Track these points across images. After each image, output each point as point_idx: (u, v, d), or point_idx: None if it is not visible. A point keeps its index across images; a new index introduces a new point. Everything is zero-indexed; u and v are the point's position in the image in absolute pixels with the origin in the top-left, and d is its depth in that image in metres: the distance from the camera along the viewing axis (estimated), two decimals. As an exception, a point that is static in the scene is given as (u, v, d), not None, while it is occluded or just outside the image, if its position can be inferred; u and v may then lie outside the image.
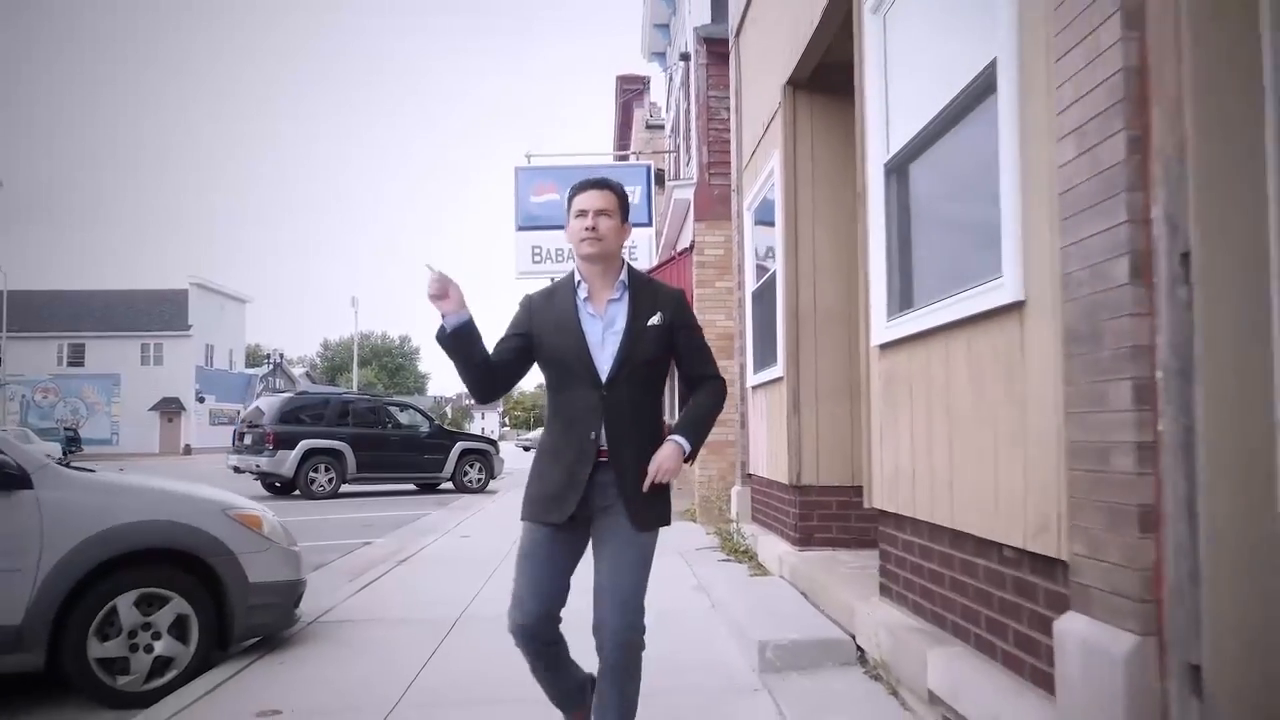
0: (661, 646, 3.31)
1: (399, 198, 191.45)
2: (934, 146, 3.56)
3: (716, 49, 10.27)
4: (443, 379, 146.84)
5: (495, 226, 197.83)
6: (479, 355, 2.78)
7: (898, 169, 3.97)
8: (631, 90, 20.33)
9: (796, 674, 4.13)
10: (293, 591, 5.02)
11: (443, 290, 2.72)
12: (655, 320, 2.81)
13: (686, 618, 5.40)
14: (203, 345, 53.94)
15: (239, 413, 58.26)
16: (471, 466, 18.37)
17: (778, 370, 6.48)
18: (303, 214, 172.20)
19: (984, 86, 2.99)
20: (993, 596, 2.99)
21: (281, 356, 56.65)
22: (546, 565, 2.79)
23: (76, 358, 51.70)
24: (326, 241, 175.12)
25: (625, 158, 16.58)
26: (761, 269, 7.44)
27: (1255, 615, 1.98)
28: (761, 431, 7.42)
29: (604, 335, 2.80)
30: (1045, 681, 2.53)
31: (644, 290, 2.88)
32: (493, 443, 19.73)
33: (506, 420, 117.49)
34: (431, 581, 7.08)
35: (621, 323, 2.80)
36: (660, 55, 16.47)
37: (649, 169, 13.18)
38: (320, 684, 4.29)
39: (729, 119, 9.13)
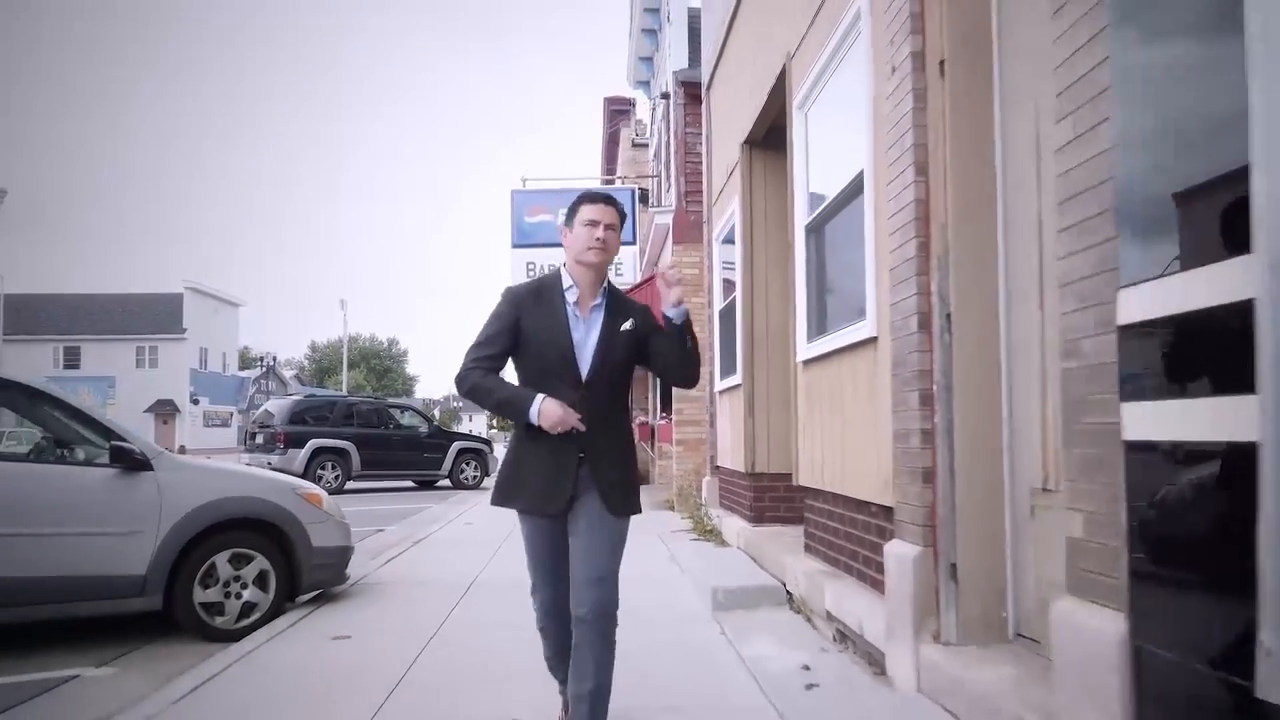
0: (641, 598, 4.56)
1: (388, 201, 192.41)
2: (834, 218, 4.88)
3: (692, 90, 11.57)
4: (431, 381, 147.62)
5: (484, 226, 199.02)
6: None
7: (814, 229, 5.29)
8: (618, 111, 21.64)
9: (740, 610, 5.44)
10: (344, 555, 6.29)
11: (561, 430, 2.89)
12: (628, 326, 3.01)
13: (661, 579, 6.69)
14: (197, 348, 54.94)
15: (232, 414, 59.45)
16: (468, 465, 19.62)
17: (737, 378, 7.79)
18: (290, 217, 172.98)
19: (857, 186, 4.31)
20: (863, 539, 4.31)
21: (275, 359, 57.73)
22: (554, 555, 3.04)
23: (72, 360, 52.60)
24: (314, 244, 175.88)
25: (611, 181, 17.87)
26: (726, 290, 8.75)
27: (985, 533, 3.29)
28: (726, 429, 8.73)
29: (586, 338, 2.99)
30: (882, 587, 3.84)
31: (618, 300, 3.10)
32: (487, 443, 20.98)
33: (494, 422, 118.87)
34: (445, 557, 8.36)
35: (599, 327, 3.00)
36: (645, 84, 17.78)
37: (634, 192, 14.49)
38: (374, 620, 5.59)
39: (703, 154, 10.44)
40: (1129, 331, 2.06)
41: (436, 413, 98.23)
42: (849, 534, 4.60)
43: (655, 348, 3.05)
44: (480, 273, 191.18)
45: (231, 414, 58.22)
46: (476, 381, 2.98)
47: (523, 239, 14.55)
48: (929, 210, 3.42)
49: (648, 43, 15.76)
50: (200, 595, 5.50)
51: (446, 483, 19.45)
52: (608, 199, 3.08)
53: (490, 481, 19.99)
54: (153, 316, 53.71)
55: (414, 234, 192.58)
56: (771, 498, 7.29)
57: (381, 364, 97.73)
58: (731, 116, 8.20)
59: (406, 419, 20.05)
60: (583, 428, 2.88)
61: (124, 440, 5.43)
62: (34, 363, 50.66)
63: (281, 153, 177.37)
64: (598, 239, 2.95)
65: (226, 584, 5.59)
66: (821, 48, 4.88)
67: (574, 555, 2.98)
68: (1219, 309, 1.75)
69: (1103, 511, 2.19)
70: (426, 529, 10.95)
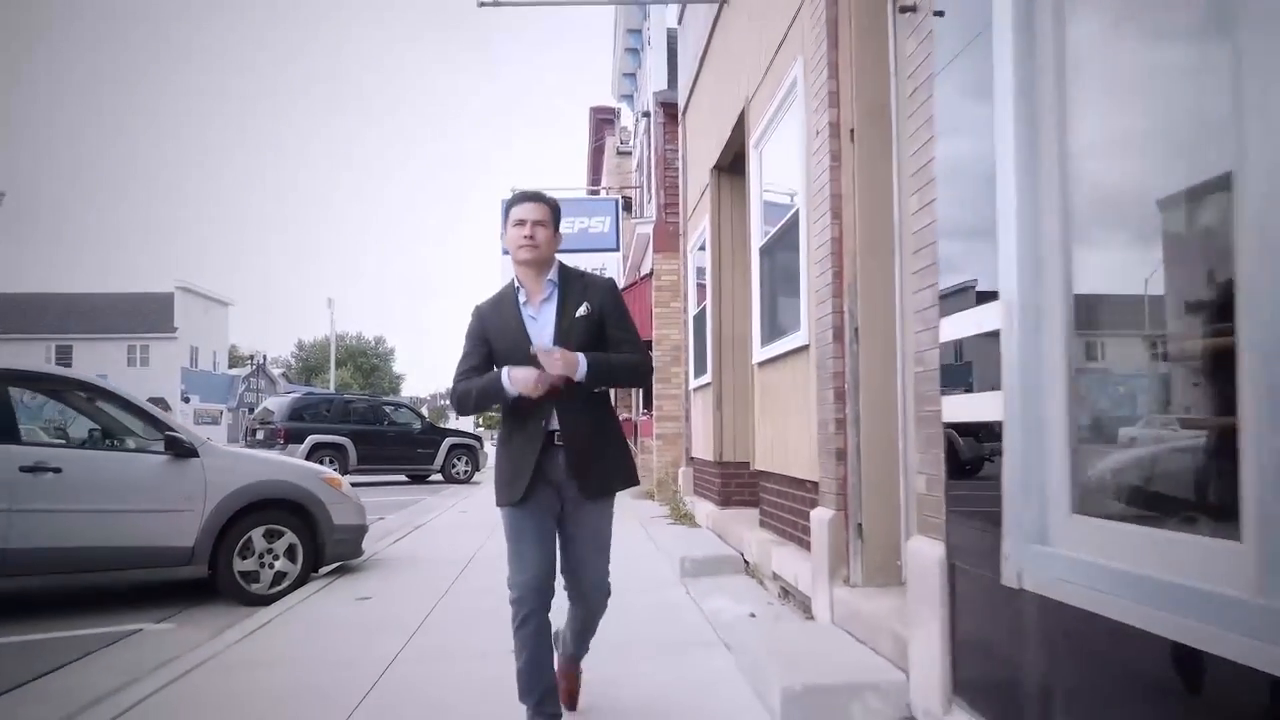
0: (621, 571, 5.31)
1: (375, 200, 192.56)
2: (780, 243, 5.81)
3: (670, 110, 12.48)
4: (417, 380, 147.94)
5: (471, 227, 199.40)
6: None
7: (767, 251, 6.21)
8: (604, 120, 22.55)
9: (705, 577, 6.36)
10: (361, 532, 7.18)
11: (541, 390, 2.94)
12: (582, 311, 3.06)
13: (639, 555, 7.60)
14: (188, 347, 55.54)
15: (222, 412, 59.96)
16: (459, 460, 20.50)
17: (708, 377, 8.72)
18: (277, 216, 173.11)
19: (794, 220, 5.24)
20: (800, 510, 5.24)
21: (265, 358, 58.34)
22: (529, 543, 3.08)
23: (64, 359, 52.99)
24: (302, 243, 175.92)
25: (597, 191, 18.76)
26: (700, 295, 9.67)
27: (884, 499, 4.22)
28: (699, 423, 9.66)
29: (541, 333, 3.07)
30: (810, 547, 4.77)
31: (574, 284, 3.14)
32: (478, 438, 21.86)
33: (480, 420, 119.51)
34: (445, 539, 9.26)
35: (551, 318, 3.08)
36: (628, 97, 18.69)
37: (618, 201, 15.40)
38: (389, 586, 6.49)
39: (679, 170, 11.35)
40: (946, 346, 2.99)
41: (424, 411, 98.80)
42: (791, 507, 5.53)
43: (608, 338, 3.12)
44: (467, 273, 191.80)
45: (222, 412, 58.74)
46: (459, 390, 3.14)
47: (513, 246, 15.40)
48: (842, 247, 4.34)
49: (631, 60, 16.67)
50: (239, 565, 6.39)
51: (438, 477, 20.31)
52: (534, 197, 3.15)
53: (480, 476, 20.95)
54: (144, 316, 54.28)
55: (401, 234, 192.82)
56: (737, 484, 8.22)
57: (368, 362, 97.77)
58: (703, 142, 9.12)
59: (400, 416, 20.92)
60: (559, 381, 2.93)
61: (175, 431, 6.31)
62: (26, 362, 51.07)
63: (270, 153, 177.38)
64: (525, 236, 3.03)
65: (261, 555, 6.48)
66: (770, 100, 5.81)
67: (562, 544, 3.16)
68: (985, 335, 2.67)
69: (934, 474, 3.11)
70: (424, 516, 11.85)
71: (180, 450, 6.26)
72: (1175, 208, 2.13)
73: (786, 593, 5.36)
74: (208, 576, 6.32)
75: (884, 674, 3.39)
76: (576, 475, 3.07)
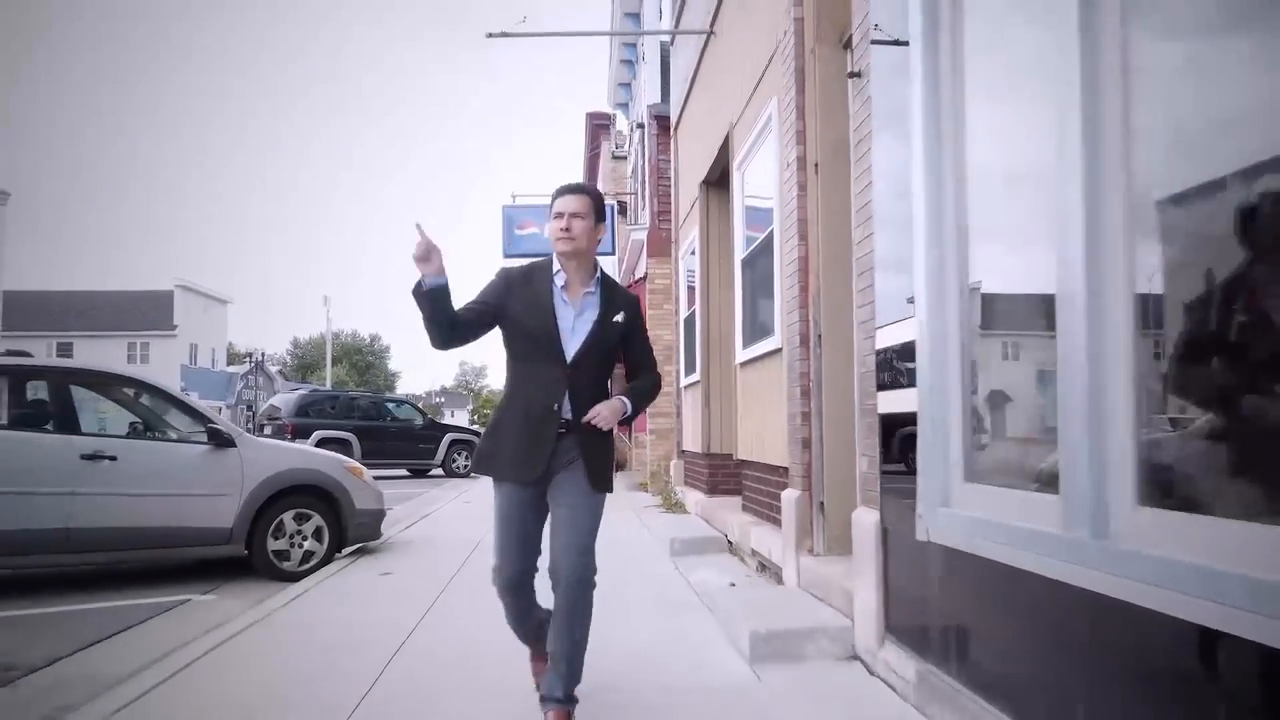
0: (616, 552, 6.13)
1: (373, 199, 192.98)
2: (759, 258, 6.52)
3: (663, 123, 13.18)
4: (412, 378, 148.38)
5: (467, 223, 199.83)
6: (446, 313, 3.05)
7: (748, 263, 6.92)
8: (600, 125, 23.22)
9: (692, 555, 7.07)
10: (380, 516, 7.87)
11: (426, 254, 2.96)
12: (619, 318, 3.19)
13: (633, 539, 8.31)
14: (187, 345, 56.11)
15: (221, 409, 60.47)
16: (459, 454, 21.18)
17: (697, 376, 9.43)
18: (273, 214, 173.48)
19: (769, 239, 5.95)
20: (774, 493, 5.95)
21: (264, 356, 58.90)
22: (524, 525, 3.18)
23: (65, 356, 53.60)
24: (297, 241, 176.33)
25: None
26: (689, 298, 10.38)
27: (842, 480, 4.93)
28: (689, 418, 10.37)
29: (575, 322, 3.13)
30: (781, 524, 5.49)
31: (613, 291, 3.26)
32: (477, 434, 22.54)
33: (475, 418, 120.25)
34: (452, 527, 9.97)
35: (593, 314, 3.15)
36: (624, 105, 19.41)
37: (613, 207, 16.12)
38: (407, 564, 7.19)
39: (671, 180, 12.05)
40: (880, 352, 3.70)
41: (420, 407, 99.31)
42: (767, 491, 6.25)
43: (631, 347, 3.30)
44: (465, 272, 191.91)
45: (220, 408, 59.29)
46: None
47: (513, 250, 16.13)
48: (808, 265, 5.05)
49: (626, 71, 17.38)
50: (272, 544, 7.08)
51: (439, 471, 20.99)
52: (574, 189, 3.23)
53: (480, 470, 21.61)
54: (144, 313, 54.86)
55: (398, 232, 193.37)
56: (723, 474, 8.93)
57: (363, 360, 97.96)
58: (692, 158, 9.83)
59: (402, 412, 21.62)
60: (431, 240, 2.98)
61: (216, 424, 7.01)
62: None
63: (269, 153, 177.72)
64: (563, 228, 3.11)
65: (291, 536, 7.17)
66: (751, 129, 6.52)
67: (557, 525, 3.13)
68: (908, 343, 3.38)
69: (872, 456, 3.82)
70: (430, 507, 12.55)
71: (221, 441, 6.95)
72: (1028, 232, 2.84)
73: (764, 566, 6.07)
74: (245, 555, 7.01)
75: (834, 621, 4.11)
76: (588, 465, 3.13)
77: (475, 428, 24.71)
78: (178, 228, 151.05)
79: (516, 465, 3.13)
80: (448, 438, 21.21)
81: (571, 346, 3.12)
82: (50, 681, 4.37)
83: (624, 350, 3.28)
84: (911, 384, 3.35)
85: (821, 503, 4.96)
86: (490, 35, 7.70)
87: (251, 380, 58.31)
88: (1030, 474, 2.78)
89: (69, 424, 6.55)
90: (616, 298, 3.25)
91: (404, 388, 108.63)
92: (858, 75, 3.97)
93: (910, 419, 3.35)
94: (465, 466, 21.14)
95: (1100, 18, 2.27)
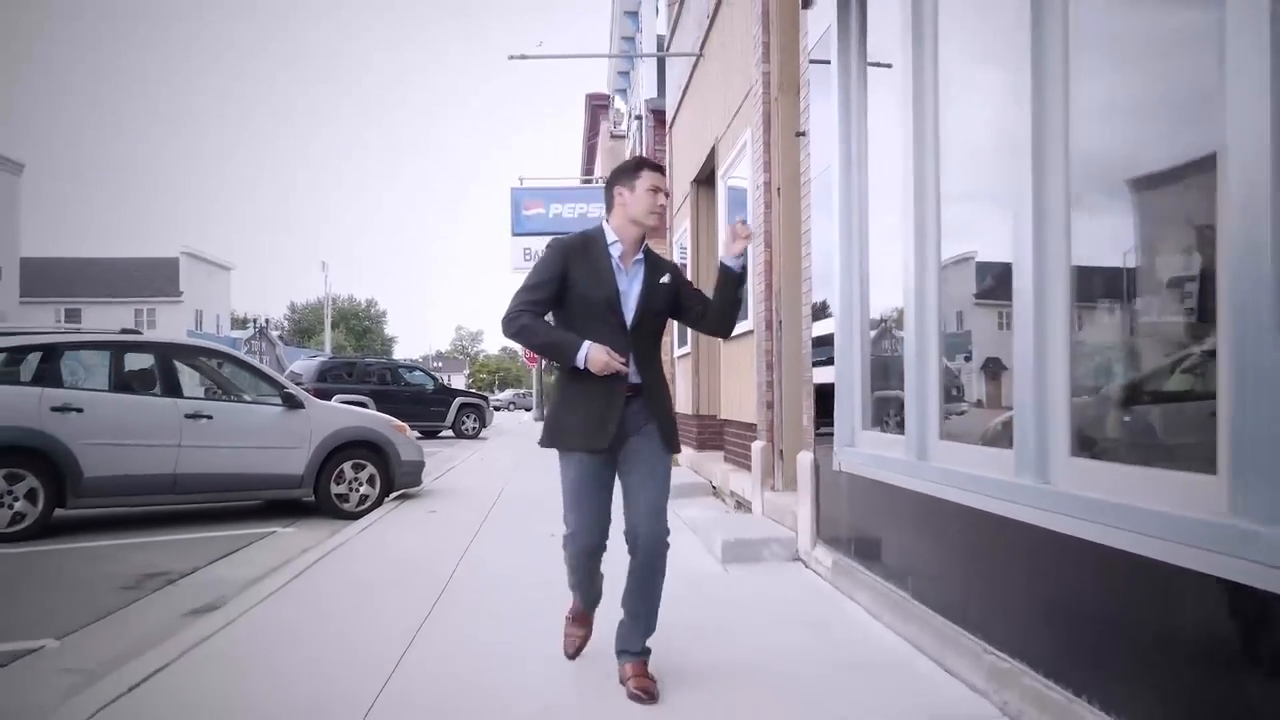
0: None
1: (371, 165, 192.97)
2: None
3: (659, 116, 14.50)
4: (409, 343, 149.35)
5: (464, 192, 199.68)
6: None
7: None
8: (599, 106, 24.47)
9: (681, 498, 8.56)
10: (420, 467, 9.35)
11: (606, 371, 3.08)
12: (665, 280, 3.28)
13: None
14: (193, 310, 57.38)
15: (225, 374, 62.04)
16: (468, 417, 22.68)
17: (689, 349, 10.89)
18: (272, 180, 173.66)
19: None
20: (747, 444, 7.44)
21: (268, 322, 60.18)
22: (600, 494, 3.21)
23: (74, 321, 54.86)
24: (295, 206, 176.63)
25: (590, 181, 20.79)
26: (683, 282, 11.81)
27: (796, 432, 6.41)
28: (681, 385, 11.85)
29: (630, 289, 3.22)
30: (750, 468, 6.97)
31: (655, 258, 3.35)
32: (484, 398, 24.05)
33: (471, 381, 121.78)
34: (476, 479, 11.48)
35: (640, 280, 3.24)
36: (622, 91, 20.65)
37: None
38: (448, 505, 8.69)
39: (666, 169, 13.41)
40: (814, 341, 5.16)
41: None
42: (742, 443, 7.74)
43: (686, 302, 3.37)
44: (460, 239, 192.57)
45: (225, 373, 60.60)
46: (526, 323, 3.14)
47: (520, 229, 17.53)
48: (771, 267, 6.49)
49: (624, 61, 18.60)
50: (334, 489, 8.56)
51: (449, 433, 22.49)
52: (662, 168, 3.38)
53: (487, 432, 23.16)
54: (150, 280, 56.07)
55: (395, 198, 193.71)
56: (710, 431, 10.42)
57: (360, 324, 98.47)
58: (685, 157, 11.21)
59: (414, 377, 23.07)
60: (627, 370, 3.09)
61: (289, 389, 8.47)
62: (37, 323, 52.89)
63: (269, 121, 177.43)
64: (660, 205, 3.23)
65: (350, 482, 8.65)
66: (732, 147, 7.92)
67: (634, 489, 3.18)
68: (828, 335, 4.83)
69: (810, 413, 5.28)
70: (450, 463, 14.05)
71: (293, 403, 8.41)
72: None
73: (740, 504, 7.58)
74: (311, 499, 8.50)
75: (784, 534, 5.61)
76: (660, 428, 3.22)
77: (484, 393, 26.09)
78: (183, 195, 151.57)
79: (589, 434, 3.15)
80: (457, 401, 22.69)
81: (629, 311, 3.19)
82: (199, 583, 5.85)
83: (681, 302, 3.36)
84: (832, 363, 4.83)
85: (780, 450, 6.45)
86: (511, 58, 9.04)
87: (255, 346, 59.67)
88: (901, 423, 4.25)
89: (173, 389, 8.01)
90: (660, 264, 3.35)
91: (400, 352, 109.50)
92: (803, 134, 5.39)
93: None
94: (474, 428, 22.64)
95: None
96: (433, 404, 22.36)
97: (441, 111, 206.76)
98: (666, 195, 3.32)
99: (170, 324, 55.79)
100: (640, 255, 3.29)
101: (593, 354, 3.07)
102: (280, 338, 77.30)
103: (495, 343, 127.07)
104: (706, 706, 3.14)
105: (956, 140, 3.63)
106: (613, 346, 3.10)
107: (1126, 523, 2.32)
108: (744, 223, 3.39)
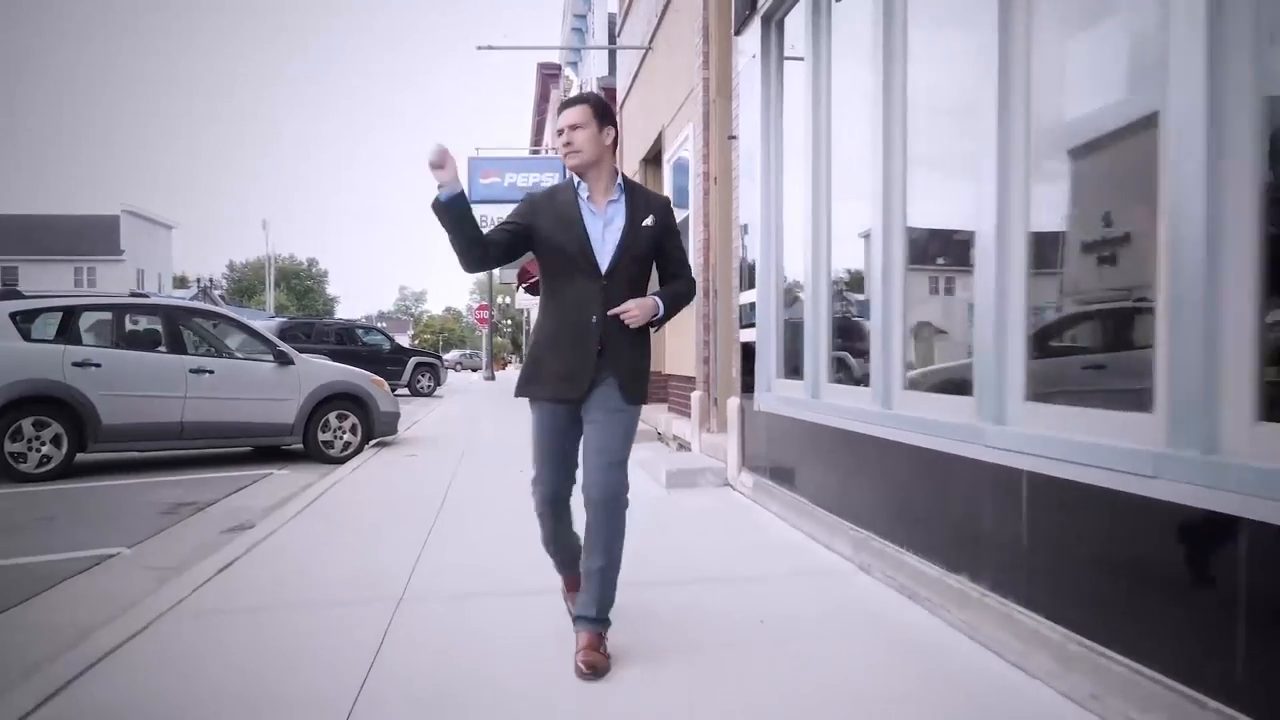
0: None
1: (312, 122, 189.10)
2: (684, 233, 9.12)
3: (611, 94, 15.50)
4: (353, 303, 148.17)
5: (408, 150, 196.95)
6: (470, 227, 2.95)
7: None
8: (550, 75, 25.26)
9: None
10: (396, 418, 10.42)
11: (442, 160, 2.83)
12: (649, 222, 3.09)
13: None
14: (134, 270, 56.78)
15: (169, 334, 61.63)
16: (423, 376, 23.62)
17: (636, 311, 12.06)
18: (211, 137, 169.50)
19: (687, 219, 8.54)
20: (687, 395, 8.66)
21: (211, 282, 59.99)
22: (564, 444, 3.12)
23: (10, 280, 53.92)
24: (235, 163, 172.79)
25: (538, 151, 21.69)
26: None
27: (728, 382, 7.64)
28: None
29: (604, 231, 3.04)
30: (689, 414, 8.20)
31: (638, 194, 3.16)
32: (439, 358, 24.97)
33: (417, 341, 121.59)
34: (442, 429, 12.58)
35: (621, 221, 3.06)
36: (574, 64, 21.50)
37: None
38: (425, 451, 9.81)
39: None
40: (742, 308, 6.36)
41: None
42: (682, 394, 8.97)
43: (662, 260, 3.20)
44: (405, 199, 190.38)
45: (169, 333, 60.17)
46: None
47: (477, 196, 18.38)
48: (709, 244, 7.68)
49: (576, 39, 19.46)
50: (321, 436, 9.60)
51: (405, 391, 23.41)
52: (571, 102, 3.15)
53: (442, 390, 24.14)
54: (90, 238, 55.29)
55: (338, 157, 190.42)
56: (654, 385, 11.63)
57: (301, 284, 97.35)
58: (635, 136, 12.30)
59: (371, 338, 23.90)
60: (446, 146, 2.84)
61: (281, 347, 9.47)
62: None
63: (209, 75, 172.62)
64: (565, 144, 3.05)
65: (334, 431, 9.70)
66: (676, 137, 9.04)
67: (589, 441, 3.05)
68: (754, 302, 6.04)
69: (737, 366, 6.50)
70: (414, 418, 15.09)
71: (284, 360, 9.41)
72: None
73: (681, 445, 8.81)
74: (300, 446, 9.54)
75: (717, 465, 6.86)
76: (624, 379, 3.07)
77: (438, 354, 26.98)
78: (121, 151, 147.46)
79: (559, 383, 3.06)
80: (412, 361, 23.60)
81: (604, 256, 3.03)
82: (226, 509, 6.90)
83: (657, 256, 3.18)
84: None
85: (715, 398, 7.68)
86: (479, 48, 9.99)
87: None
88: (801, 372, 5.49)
89: (178, 346, 8.96)
90: (647, 201, 3.17)
91: (343, 312, 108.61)
92: (734, 138, 6.56)
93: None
94: (429, 387, 23.58)
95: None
96: (389, 363, 23.19)
97: (384, 69, 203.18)
98: (573, 127, 3.06)
99: (111, 283, 55.12)
100: (617, 195, 3.11)
101: (430, 161, 2.85)
102: (221, 297, 76.95)
103: (439, 303, 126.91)
104: (654, 577, 4.34)
105: (849, 144, 4.83)
106: (584, 295, 3.02)
107: (925, 429, 3.57)
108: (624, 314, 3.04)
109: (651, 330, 3.19)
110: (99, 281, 54.95)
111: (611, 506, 3.02)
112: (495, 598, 4.03)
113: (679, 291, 3.21)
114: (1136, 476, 2.42)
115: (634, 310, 3.00)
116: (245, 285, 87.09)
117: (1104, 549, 2.59)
